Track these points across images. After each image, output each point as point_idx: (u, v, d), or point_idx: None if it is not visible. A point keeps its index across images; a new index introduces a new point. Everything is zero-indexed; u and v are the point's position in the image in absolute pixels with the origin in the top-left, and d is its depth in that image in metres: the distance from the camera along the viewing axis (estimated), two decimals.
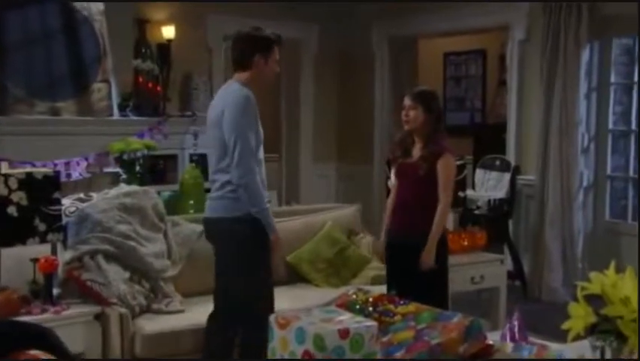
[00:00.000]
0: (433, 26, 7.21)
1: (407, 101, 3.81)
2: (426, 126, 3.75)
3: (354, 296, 2.05)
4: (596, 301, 1.93)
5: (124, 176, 4.45)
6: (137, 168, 4.52)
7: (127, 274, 3.68)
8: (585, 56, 5.87)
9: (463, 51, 9.00)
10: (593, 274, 1.99)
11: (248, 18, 7.05)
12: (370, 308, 1.98)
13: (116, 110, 6.16)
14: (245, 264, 3.27)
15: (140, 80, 6.38)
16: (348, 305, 1.99)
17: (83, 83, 5.91)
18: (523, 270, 6.12)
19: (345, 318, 1.67)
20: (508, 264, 5.94)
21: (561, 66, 5.84)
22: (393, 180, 4.03)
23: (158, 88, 6.50)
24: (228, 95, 3.30)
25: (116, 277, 3.56)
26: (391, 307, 1.98)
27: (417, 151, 3.81)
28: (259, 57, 3.33)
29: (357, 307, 1.98)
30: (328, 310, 1.75)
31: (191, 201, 4.66)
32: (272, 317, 1.68)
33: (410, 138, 3.85)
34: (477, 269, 4.70)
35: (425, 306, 1.99)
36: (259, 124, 3.30)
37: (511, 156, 6.39)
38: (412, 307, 1.99)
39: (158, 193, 5.14)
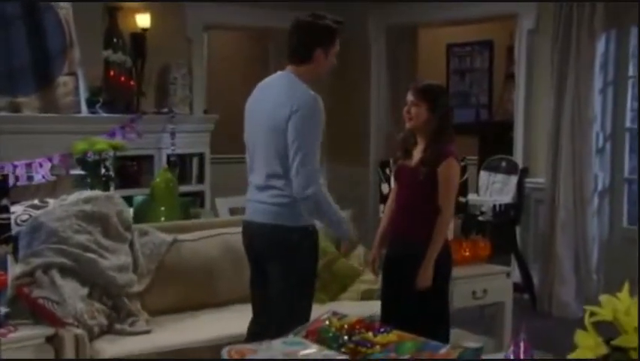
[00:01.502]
0: (435, 15, 7.17)
1: (410, 97, 3.69)
2: (430, 126, 3.63)
3: (327, 322, 1.91)
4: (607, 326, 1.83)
5: (90, 179, 4.31)
6: (103, 170, 4.38)
7: (85, 291, 3.55)
8: (600, 47, 5.86)
9: (468, 42, 8.96)
10: (603, 298, 1.89)
11: (232, 5, 7.03)
12: (345, 337, 1.84)
13: (84, 107, 6.05)
14: (297, 275, 3.27)
15: (112, 73, 6.28)
16: (319, 333, 1.85)
17: (46, 77, 5.79)
18: (532, 282, 6.08)
19: (311, 352, 1.53)
20: (516, 275, 5.97)
21: (574, 58, 5.80)
22: (393, 182, 3.95)
23: (132, 82, 6.41)
24: (291, 92, 3.21)
25: (72, 293, 3.44)
26: (369, 335, 1.84)
27: (418, 153, 3.70)
28: (320, 51, 3.25)
29: (331, 335, 1.85)
30: (292, 342, 1.61)
31: (163, 208, 4.54)
32: (224, 350, 1.53)
33: (413, 137, 3.73)
34: (479, 283, 4.59)
35: (409, 335, 1.85)
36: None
37: (518, 157, 6.36)
38: (394, 335, 1.86)
39: (131, 198, 5.08)
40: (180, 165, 6.72)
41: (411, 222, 3.67)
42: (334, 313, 2.00)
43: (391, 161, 4.03)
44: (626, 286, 1.87)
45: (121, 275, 3.75)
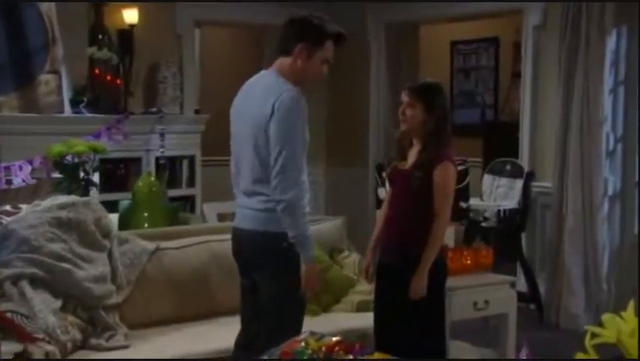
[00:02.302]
0: (437, 11, 7.11)
1: (404, 97, 3.65)
2: (426, 127, 3.58)
3: (303, 344, 1.80)
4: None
5: (68, 184, 4.21)
6: (82, 174, 4.29)
7: (58, 303, 3.46)
8: (611, 43, 5.82)
9: (473, 39, 8.92)
10: (606, 318, 1.78)
11: (225, 0, 6.95)
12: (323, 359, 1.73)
13: (67, 107, 6.00)
14: (287, 284, 3.21)
15: (97, 71, 6.22)
16: (294, 355, 1.75)
17: (26, 75, 5.74)
18: (539, 292, 6.04)
19: None
20: (522, 285, 5.96)
21: (583, 56, 5.74)
22: (387, 186, 3.90)
23: (118, 81, 6.36)
24: (272, 90, 3.15)
25: (44, 306, 3.34)
26: (349, 358, 1.74)
27: (412, 156, 3.66)
28: (302, 47, 3.17)
29: (306, 357, 1.74)
30: None
31: (146, 214, 4.46)
32: None
33: (408, 138, 3.68)
34: (481, 293, 4.51)
35: (392, 357, 1.74)
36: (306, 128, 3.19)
37: (524, 160, 6.32)
38: (376, 356, 1.75)
39: (116, 203, 5.00)
40: (170, 167, 6.70)
41: (405, 229, 3.63)
42: (312, 333, 1.89)
43: (385, 163, 3.96)
44: (631, 305, 1.77)
45: (98, 286, 3.66)
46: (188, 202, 6.76)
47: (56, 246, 3.61)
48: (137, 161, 6.46)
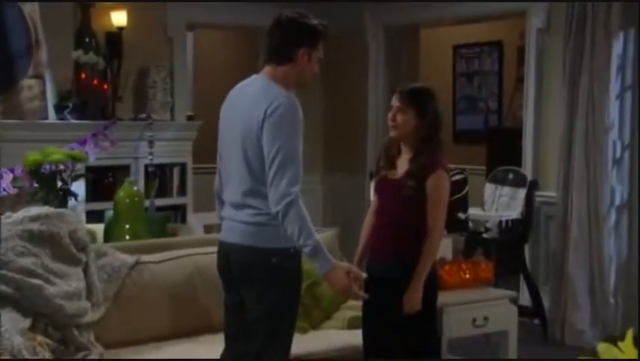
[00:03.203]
0: (438, 13, 7.07)
1: (395, 102, 3.57)
2: (417, 134, 3.51)
3: None
4: None
5: (44, 194, 4.08)
6: (59, 184, 4.15)
7: (27, 322, 3.29)
8: (617, 47, 5.76)
9: (476, 43, 8.92)
10: (601, 347, 1.65)
11: (217, 2, 6.85)
12: None
13: (51, 112, 5.94)
14: (276, 301, 3.13)
15: (83, 76, 6.15)
16: None
17: (8, 80, 5.69)
18: (543, 306, 5.95)
19: None
20: (525, 299, 5.92)
21: (588, 60, 5.68)
22: (372, 194, 3.83)
23: (105, 85, 6.28)
24: (264, 94, 3.06)
25: (10, 326, 3.18)
26: None
27: (403, 164, 3.57)
28: (304, 52, 3.10)
29: None
30: None
31: (128, 225, 4.32)
32: None
33: (396, 146, 3.60)
34: (480, 309, 4.41)
35: None
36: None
37: (527, 168, 6.25)
38: None
39: (103, 213, 4.87)
40: (160, 175, 6.62)
41: (396, 241, 3.56)
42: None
43: (372, 173, 3.87)
44: (630, 334, 1.64)
45: (70, 303, 3.49)
46: (179, 212, 6.66)
47: (26, 261, 3.45)
48: (125, 169, 6.37)
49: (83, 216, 5.54)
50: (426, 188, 3.46)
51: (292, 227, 2.95)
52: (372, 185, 3.84)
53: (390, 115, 3.55)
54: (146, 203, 6.25)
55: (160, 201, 6.27)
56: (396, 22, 7.31)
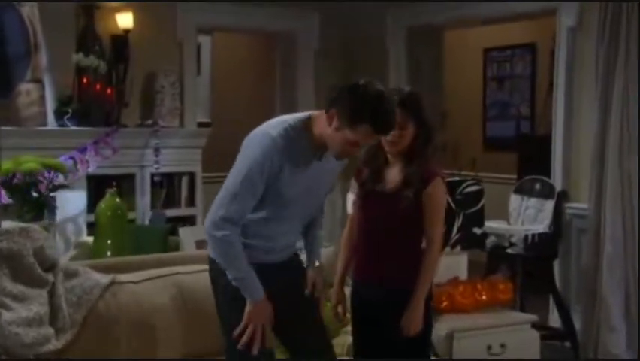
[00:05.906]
0: (464, 13, 6.79)
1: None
2: (414, 145, 3.25)
3: None
4: None
5: (17, 207, 3.76)
6: (34, 195, 3.82)
7: None
8: None
9: (508, 45, 8.68)
10: None
11: (231, 3, 6.59)
12: None
13: (51, 118, 5.81)
14: (225, 323, 3.09)
15: (85, 80, 5.94)
16: None
17: (5, 84, 5.62)
18: (574, 328, 5.70)
19: None
20: (555, 320, 5.75)
21: (622, 60, 5.41)
22: (350, 207, 3.57)
23: (109, 91, 6.05)
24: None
25: None
26: None
27: (394, 174, 3.28)
28: (334, 113, 2.85)
29: None
30: None
31: (109, 241, 3.98)
32: None
33: (382, 156, 3.29)
34: (496, 335, 4.17)
35: None
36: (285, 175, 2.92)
37: (557, 178, 5.97)
38: None
39: None
40: (168, 185, 6.43)
41: (390, 261, 3.32)
42: None
43: (355, 185, 3.53)
44: None
45: (29, 331, 3.13)
46: (188, 223, 6.37)
47: None
48: (130, 178, 6.19)
49: (84, 228, 5.31)
50: (422, 198, 3.21)
51: (217, 258, 2.98)
52: (351, 200, 3.53)
53: None
54: (150, 214, 6.03)
55: (168, 212, 6.12)
56: (418, 24, 7.13)
